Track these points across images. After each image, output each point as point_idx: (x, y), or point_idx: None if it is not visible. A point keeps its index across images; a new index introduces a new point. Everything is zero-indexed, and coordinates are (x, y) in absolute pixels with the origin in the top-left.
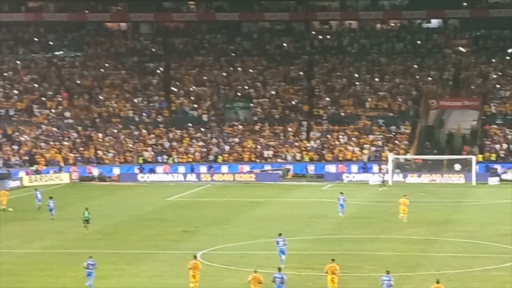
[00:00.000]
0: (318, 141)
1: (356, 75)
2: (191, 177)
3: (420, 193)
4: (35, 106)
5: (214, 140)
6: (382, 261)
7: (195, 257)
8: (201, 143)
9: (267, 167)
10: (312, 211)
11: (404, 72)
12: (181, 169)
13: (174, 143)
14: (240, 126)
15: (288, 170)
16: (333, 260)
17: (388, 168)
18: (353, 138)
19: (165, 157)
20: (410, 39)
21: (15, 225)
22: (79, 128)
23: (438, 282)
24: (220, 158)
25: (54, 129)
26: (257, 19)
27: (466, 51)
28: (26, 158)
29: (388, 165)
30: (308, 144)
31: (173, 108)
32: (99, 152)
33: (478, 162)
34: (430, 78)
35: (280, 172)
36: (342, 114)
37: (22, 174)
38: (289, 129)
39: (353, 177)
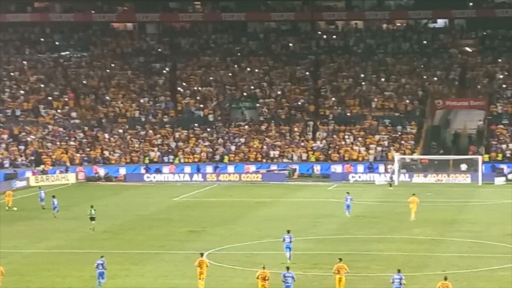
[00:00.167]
0: (324, 141)
1: (362, 75)
2: (197, 177)
3: (426, 193)
4: (42, 106)
5: (220, 140)
6: (389, 261)
7: (201, 254)
8: (207, 143)
9: (273, 167)
10: (318, 211)
11: (410, 72)
12: (187, 169)
13: (180, 143)
14: (246, 126)
15: (294, 170)
16: (340, 259)
17: (394, 168)
18: (359, 138)
19: (171, 157)
20: (416, 39)
21: (21, 225)
22: (86, 128)
23: (446, 279)
24: (226, 158)
25: (61, 129)
26: (263, 19)
27: (472, 51)
28: (33, 158)
29: (394, 165)
30: (314, 144)
31: (179, 108)
32: (106, 152)
33: (484, 162)
34: (436, 78)
35: (286, 172)
36: (348, 114)
37: (28, 174)
38: (295, 129)
39: (359, 177)
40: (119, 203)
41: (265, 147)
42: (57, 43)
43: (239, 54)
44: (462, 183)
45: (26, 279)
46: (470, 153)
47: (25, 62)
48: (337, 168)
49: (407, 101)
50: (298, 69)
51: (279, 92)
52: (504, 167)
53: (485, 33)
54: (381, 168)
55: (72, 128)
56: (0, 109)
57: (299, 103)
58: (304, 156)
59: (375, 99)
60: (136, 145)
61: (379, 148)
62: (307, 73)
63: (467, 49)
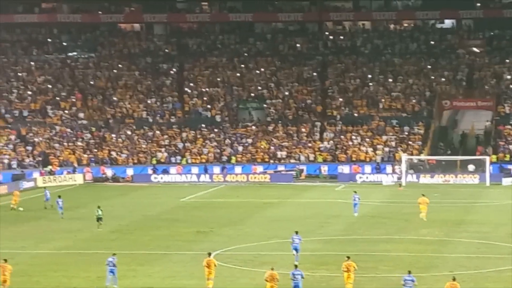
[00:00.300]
0: (332, 141)
1: (370, 76)
2: (205, 178)
3: (433, 194)
4: (49, 107)
5: (227, 141)
6: (396, 262)
7: (209, 254)
8: (214, 144)
9: (281, 168)
10: (326, 212)
11: (417, 73)
12: (195, 169)
13: (188, 144)
14: (254, 127)
15: (302, 170)
16: (348, 257)
17: (402, 168)
18: (366, 139)
19: (179, 157)
20: (423, 40)
21: (29, 226)
22: (93, 129)
23: (454, 280)
24: (233, 159)
25: (68, 130)
26: (271, 19)
27: (479, 52)
28: (40, 159)
29: (401, 165)
30: (321, 145)
31: (187, 109)
32: (113, 153)
33: (492, 163)
34: (443, 79)
35: (293, 172)
36: (356, 114)
37: (36, 175)
38: (303, 129)
39: (366, 177)
40: (126, 204)
41: (272, 147)
42: (64, 43)
43: (246, 54)
44: (469, 184)
45: (34, 279)
46: (477, 154)
47: (32, 63)
48: (345, 169)
49: (415, 101)
50: (305, 69)
51: (286, 93)
52: None
53: (492, 34)
54: (389, 168)
55: (80, 129)
56: (8, 110)
57: (307, 103)
58: (312, 157)
59: (383, 100)
60: (144, 146)
61: (387, 149)
62: (315, 73)
63: (475, 49)
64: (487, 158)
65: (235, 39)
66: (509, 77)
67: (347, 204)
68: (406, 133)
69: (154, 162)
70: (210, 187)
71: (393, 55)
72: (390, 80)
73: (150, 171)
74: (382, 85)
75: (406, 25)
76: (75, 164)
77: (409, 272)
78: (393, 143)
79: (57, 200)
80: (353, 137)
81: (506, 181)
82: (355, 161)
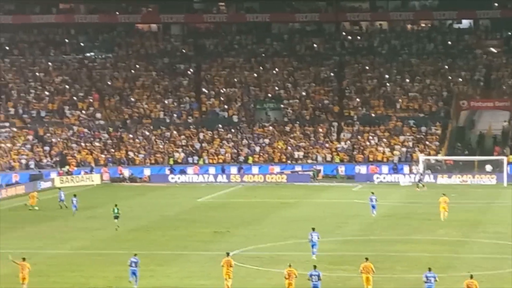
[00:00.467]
0: (349, 142)
1: (387, 76)
2: (222, 178)
3: (451, 194)
4: (67, 107)
5: (244, 141)
6: (413, 262)
7: (227, 254)
8: (231, 144)
9: (298, 168)
10: (343, 212)
11: (435, 73)
12: (212, 170)
13: (205, 144)
14: (271, 127)
15: (319, 171)
16: (366, 259)
17: (419, 169)
18: (383, 139)
19: (196, 158)
20: (440, 40)
21: (46, 226)
22: (110, 129)
23: (471, 277)
24: (250, 159)
25: (85, 130)
26: (288, 20)
27: (497, 52)
28: (58, 159)
29: (419, 166)
30: (338, 145)
31: (204, 109)
32: (130, 153)
33: (509, 163)
34: (461, 79)
35: (310, 173)
36: (373, 115)
37: (53, 175)
38: (320, 130)
39: (384, 178)
40: (143, 204)
41: (289, 148)
42: (82, 44)
43: (263, 55)
44: (487, 184)
45: (51, 279)
46: (495, 154)
47: (50, 63)
48: (362, 169)
49: (432, 102)
50: (322, 70)
51: (303, 93)
52: None
53: (510, 34)
54: (406, 169)
55: (97, 129)
56: (25, 110)
57: (324, 103)
58: (329, 157)
59: (400, 100)
60: (161, 146)
61: (404, 149)
62: (332, 74)
63: (492, 49)
64: (505, 159)
65: (252, 40)
66: None
67: (364, 204)
68: (424, 134)
69: (171, 162)
70: (227, 187)
71: (410, 55)
72: (407, 80)
73: (167, 171)
74: (399, 85)
75: (423, 25)
76: (93, 164)
77: (429, 269)
78: (410, 144)
79: (72, 198)
80: (370, 137)
81: None
82: (372, 162)
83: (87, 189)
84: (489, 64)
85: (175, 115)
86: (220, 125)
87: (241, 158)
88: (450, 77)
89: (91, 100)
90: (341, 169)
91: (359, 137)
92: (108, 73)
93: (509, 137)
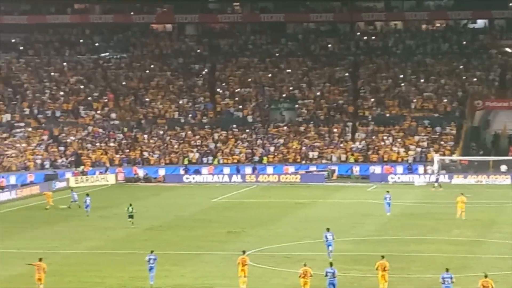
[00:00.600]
0: (363, 142)
1: (402, 76)
2: (236, 178)
3: (466, 195)
4: (81, 107)
5: (259, 141)
6: (428, 263)
7: (243, 252)
8: (246, 144)
9: (312, 168)
10: (357, 212)
11: (449, 73)
12: (226, 170)
13: (219, 144)
14: (285, 127)
15: (333, 171)
16: (383, 257)
17: (434, 169)
18: (398, 139)
19: (210, 158)
20: (455, 40)
21: (61, 226)
22: (125, 129)
23: (486, 276)
24: (265, 159)
25: (100, 130)
26: (302, 20)
27: None
28: (73, 159)
29: (434, 166)
30: (353, 145)
31: (218, 109)
32: (145, 153)
33: None
34: (476, 79)
35: (325, 173)
36: (387, 115)
37: (68, 175)
38: (334, 130)
39: (398, 178)
40: (158, 204)
41: (304, 148)
42: (96, 44)
43: (278, 55)
44: (502, 184)
45: (66, 279)
46: (510, 154)
47: (65, 64)
48: (376, 169)
49: (447, 101)
50: (337, 70)
51: (318, 93)
52: None
53: None
54: (421, 169)
55: (112, 129)
56: (41, 110)
57: (338, 104)
58: (343, 157)
59: (414, 100)
60: (175, 146)
61: (419, 149)
62: (346, 74)
63: (507, 49)
64: None
65: (267, 40)
66: None
67: (379, 204)
68: (438, 134)
69: (186, 162)
70: (242, 187)
71: (425, 55)
72: (422, 80)
73: (182, 172)
74: (414, 85)
75: (438, 25)
76: (107, 165)
77: (447, 270)
78: (425, 144)
79: (85, 198)
80: (385, 137)
81: None
82: (387, 162)
83: (102, 189)
84: (504, 64)
85: (189, 115)
86: (234, 125)
87: (256, 158)
88: (465, 77)
89: (106, 100)
90: (356, 169)
91: (373, 137)
92: (123, 73)
93: None
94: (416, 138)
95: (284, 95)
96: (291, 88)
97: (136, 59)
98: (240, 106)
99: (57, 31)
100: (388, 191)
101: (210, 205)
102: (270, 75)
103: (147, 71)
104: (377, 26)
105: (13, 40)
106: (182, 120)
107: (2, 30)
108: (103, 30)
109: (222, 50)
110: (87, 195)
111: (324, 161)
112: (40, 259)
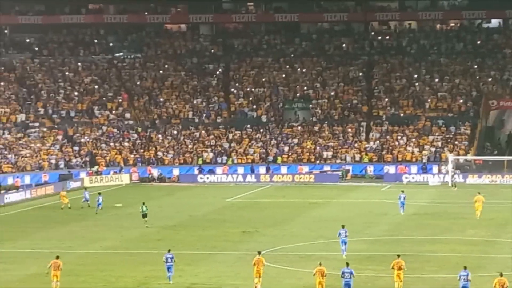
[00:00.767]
0: (378, 141)
1: (416, 76)
2: (251, 178)
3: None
4: (96, 107)
5: (273, 141)
6: (442, 262)
7: (259, 253)
8: (260, 144)
9: (326, 168)
10: (372, 212)
11: (464, 73)
12: (240, 170)
13: (234, 144)
14: (299, 127)
15: (348, 171)
16: (398, 256)
17: (448, 169)
18: (412, 139)
19: (225, 158)
20: (470, 39)
21: (76, 226)
22: (139, 129)
23: (501, 275)
24: (279, 159)
25: (115, 130)
26: (316, 19)
27: None
28: (87, 159)
29: (448, 166)
30: (367, 145)
31: (232, 109)
32: (159, 153)
33: None
34: (490, 79)
35: (339, 173)
36: (402, 114)
37: (83, 175)
38: (349, 129)
39: (413, 178)
40: (172, 204)
41: (318, 147)
42: (111, 44)
43: (292, 55)
44: None
45: (81, 279)
46: None
47: (79, 64)
48: (391, 169)
49: (461, 101)
50: (351, 69)
51: (332, 93)
52: None
53: None
54: (435, 169)
55: (126, 129)
56: (55, 110)
57: (352, 103)
58: (357, 157)
59: (429, 100)
60: (190, 146)
61: (433, 149)
62: (360, 73)
63: None
64: None
65: (281, 39)
66: None
67: (393, 204)
68: (453, 133)
69: (200, 162)
70: (256, 187)
71: (439, 55)
72: (436, 80)
73: (196, 171)
74: (428, 85)
75: (452, 25)
76: (122, 164)
77: (465, 268)
78: (439, 143)
79: (98, 197)
80: (399, 137)
81: None
82: (401, 161)
83: (116, 189)
84: None
85: (204, 115)
86: (248, 125)
87: (270, 158)
88: (479, 77)
89: (120, 100)
90: (370, 169)
91: (388, 137)
92: (137, 73)
93: None
94: (430, 138)
95: (298, 95)
96: (305, 88)
97: (150, 59)
98: (254, 106)
99: (71, 31)
100: (402, 191)
101: (224, 205)
102: (284, 75)
103: (161, 71)
104: (391, 25)
105: (27, 40)
106: (196, 120)
107: (17, 31)
108: (117, 30)
109: (236, 50)
110: (99, 194)
111: (338, 161)
112: (57, 257)
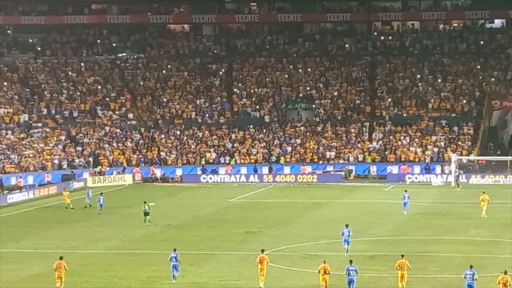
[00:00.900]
0: (381, 142)
1: (419, 76)
2: (254, 178)
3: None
4: (99, 107)
5: (276, 141)
6: (446, 263)
7: (262, 251)
8: (263, 144)
9: (329, 168)
10: (375, 212)
11: (467, 73)
12: (243, 170)
13: (237, 144)
14: (302, 127)
15: (351, 171)
16: (402, 256)
17: (451, 169)
18: (415, 139)
19: (228, 158)
20: (473, 40)
21: (79, 226)
22: (142, 129)
23: (505, 273)
24: (282, 159)
25: (117, 130)
26: (319, 20)
27: None
28: (90, 159)
29: (451, 166)
30: (370, 145)
31: (235, 109)
32: (162, 153)
33: None
34: (493, 79)
35: (342, 173)
36: (405, 115)
37: (85, 175)
38: (351, 130)
39: (416, 178)
40: (175, 204)
41: (321, 148)
42: (114, 44)
43: (295, 55)
44: None
45: (84, 279)
46: None
47: (82, 64)
48: (394, 169)
49: (464, 101)
50: (354, 70)
51: (335, 93)
52: None
53: None
54: (438, 169)
55: (129, 129)
56: (58, 111)
57: (355, 103)
58: (360, 157)
59: (432, 100)
60: (193, 146)
61: (436, 149)
62: (363, 74)
63: None
64: None
65: (284, 40)
66: None
67: (396, 204)
68: (456, 134)
69: (203, 162)
70: (259, 187)
71: (443, 55)
72: (439, 80)
73: (199, 172)
74: (431, 85)
75: (455, 25)
76: (125, 165)
77: (471, 267)
78: (443, 144)
79: (99, 197)
80: (402, 137)
81: None
82: (404, 162)
83: (119, 189)
84: None
85: (207, 115)
86: (251, 125)
87: (273, 158)
88: (482, 77)
89: (123, 101)
90: (373, 169)
91: (391, 137)
92: (140, 73)
93: None
94: (434, 138)
95: (301, 95)
96: (308, 88)
97: (153, 59)
98: (257, 106)
99: (74, 32)
100: (406, 191)
101: (227, 205)
102: (287, 75)
103: (164, 71)
104: (394, 26)
105: (30, 41)
106: (199, 120)
107: (19, 31)
108: (120, 31)
109: (239, 50)
110: (101, 194)
111: (341, 161)
112: (61, 258)
